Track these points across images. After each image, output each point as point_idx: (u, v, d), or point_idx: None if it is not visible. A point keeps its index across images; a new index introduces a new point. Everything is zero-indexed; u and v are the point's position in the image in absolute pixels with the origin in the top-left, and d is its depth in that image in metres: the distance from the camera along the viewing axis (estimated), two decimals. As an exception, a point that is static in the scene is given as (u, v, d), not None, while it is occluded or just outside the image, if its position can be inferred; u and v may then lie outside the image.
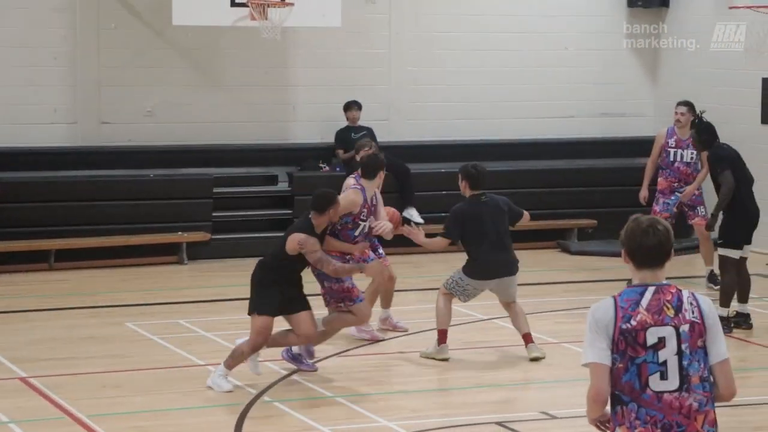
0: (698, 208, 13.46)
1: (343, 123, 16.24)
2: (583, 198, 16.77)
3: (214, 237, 15.51)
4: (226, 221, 15.77)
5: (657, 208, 13.36)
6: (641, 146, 17.61)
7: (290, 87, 16.52)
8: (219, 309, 12.84)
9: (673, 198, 13.45)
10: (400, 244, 15.73)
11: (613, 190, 16.62)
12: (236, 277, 14.48)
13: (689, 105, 13.54)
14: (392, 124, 16.92)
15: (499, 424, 8.88)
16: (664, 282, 4.95)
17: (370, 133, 16.22)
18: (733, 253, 11.53)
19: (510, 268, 10.73)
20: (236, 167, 16.23)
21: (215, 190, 15.74)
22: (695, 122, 12.13)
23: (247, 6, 14.47)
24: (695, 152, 13.24)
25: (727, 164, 11.58)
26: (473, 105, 17.24)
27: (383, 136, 16.37)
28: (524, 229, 15.67)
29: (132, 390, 9.79)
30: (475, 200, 10.70)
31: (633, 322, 4.86)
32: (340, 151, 16.16)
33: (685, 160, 13.42)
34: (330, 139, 16.34)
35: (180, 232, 15.34)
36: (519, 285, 13.62)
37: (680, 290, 4.94)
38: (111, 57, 15.81)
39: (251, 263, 14.89)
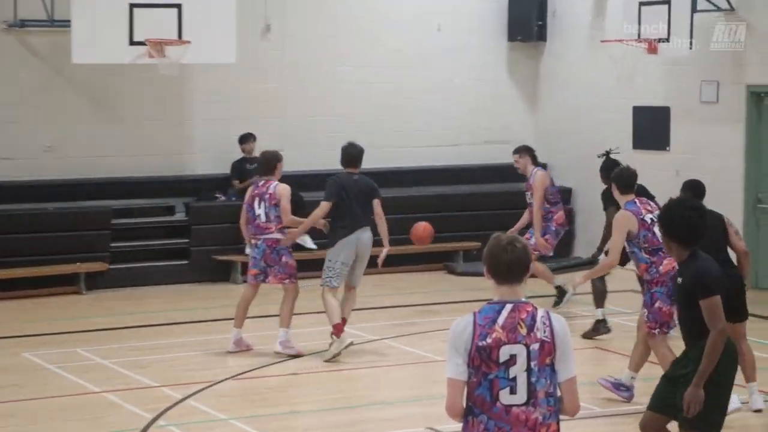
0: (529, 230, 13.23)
1: (239, 155, 16.05)
2: (468, 221, 16.76)
3: (112, 267, 15.21)
4: (124, 251, 15.47)
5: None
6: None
7: (187, 121, 16.31)
8: (117, 336, 12.59)
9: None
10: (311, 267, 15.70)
11: (496, 213, 16.59)
12: (134, 304, 14.44)
13: (520, 151, 13.45)
14: (286, 155, 16.60)
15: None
16: (522, 299, 5.00)
17: (265, 163, 15.99)
18: None
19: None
20: (135, 199, 15.95)
21: (113, 221, 15.45)
22: (601, 156, 12.63)
23: (145, 44, 14.21)
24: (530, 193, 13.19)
25: (612, 202, 11.49)
26: (363, 135, 17.01)
27: (278, 167, 16.21)
28: (412, 253, 15.68)
29: (27, 419, 9.49)
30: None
31: (489, 340, 4.94)
32: (236, 182, 15.95)
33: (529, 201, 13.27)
34: (226, 170, 16.12)
35: (78, 263, 15.01)
36: (407, 306, 13.62)
37: (536, 309, 4.99)
38: (9, 94, 15.44)
39: (150, 291, 14.99)
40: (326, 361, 11.10)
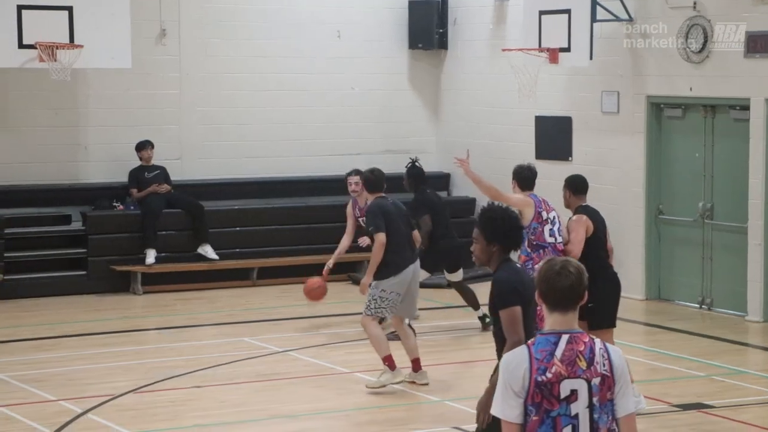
0: None
1: (136, 162, 15.95)
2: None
3: (6, 277, 15.01)
4: (18, 261, 15.25)
5: None
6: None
7: (81, 127, 16.13)
8: (13, 349, 12.42)
9: None
10: (197, 279, 15.64)
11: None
12: (30, 316, 14.26)
13: (360, 173, 12.60)
14: (185, 163, 16.68)
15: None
16: (576, 330, 4.80)
17: (163, 172, 15.99)
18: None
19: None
20: (28, 207, 15.74)
21: (7, 230, 15.23)
22: (407, 166, 12.89)
23: (36, 48, 14.07)
24: None
25: (426, 209, 12.48)
26: (264, 143, 17.15)
27: (176, 175, 16.20)
28: (316, 263, 15.72)
29: None
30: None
31: (548, 375, 4.72)
32: (134, 190, 15.86)
33: None
34: (123, 178, 16.01)
35: (-30, 274, 14.83)
36: (313, 317, 13.66)
37: (593, 340, 4.81)
38: None
39: (47, 302, 14.82)
40: (370, 387, 10.56)
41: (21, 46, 14.12)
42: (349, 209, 13.05)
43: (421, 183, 12.85)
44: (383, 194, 10.81)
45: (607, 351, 4.79)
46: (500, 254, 6.52)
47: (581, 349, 4.75)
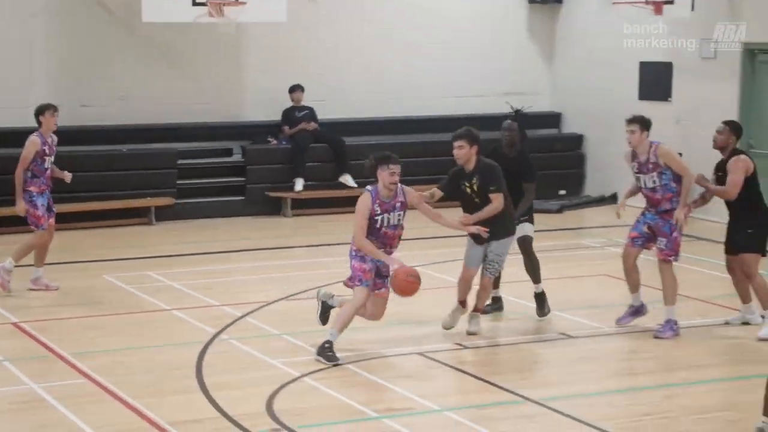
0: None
1: (289, 103, 16.09)
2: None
3: (178, 201, 15.35)
4: (188, 188, 15.57)
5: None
6: (538, 120, 17.70)
7: (243, 73, 16.30)
8: (181, 262, 12.68)
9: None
10: (338, 204, 15.76)
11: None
12: (197, 234, 14.52)
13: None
14: (329, 104, 16.73)
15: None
16: None
17: (311, 112, 16.12)
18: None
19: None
20: (197, 142, 16.01)
21: (179, 161, 15.54)
22: (513, 115, 10.37)
23: (206, 5, 14.33)
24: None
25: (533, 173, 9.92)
26: (399, 86, 17.12)
27: (323, 114, 16.28)
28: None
29: (110, 331, 9.68)
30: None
31: None
32: (286, 128, 16.07)
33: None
34: (277, 117, 16.19)
35: (148, 198, 15.15)
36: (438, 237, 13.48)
37: None
38: (88, 49, 15.50)
39: (211, 223, 15.16)
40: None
41: (194, 3, 14.44)
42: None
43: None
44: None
45: None
46: None
47: None
